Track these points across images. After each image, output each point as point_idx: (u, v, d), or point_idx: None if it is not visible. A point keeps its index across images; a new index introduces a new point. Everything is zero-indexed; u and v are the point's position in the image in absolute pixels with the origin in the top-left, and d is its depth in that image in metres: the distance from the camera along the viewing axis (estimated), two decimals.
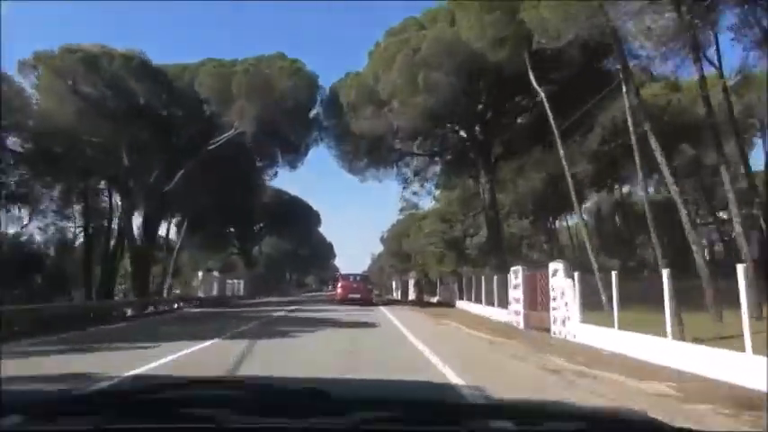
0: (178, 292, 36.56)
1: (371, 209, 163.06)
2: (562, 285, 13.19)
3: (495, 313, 19.13)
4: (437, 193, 40.05)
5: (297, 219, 50.26)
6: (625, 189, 41.98)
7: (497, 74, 21.55)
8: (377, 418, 1.24)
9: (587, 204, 46.49)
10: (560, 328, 13.04)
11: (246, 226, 48.11)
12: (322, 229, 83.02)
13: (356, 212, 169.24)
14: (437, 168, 31.44)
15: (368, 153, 27.75)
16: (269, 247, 68.15)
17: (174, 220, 40.36)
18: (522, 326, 15.85)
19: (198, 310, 23.92)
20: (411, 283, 46.92)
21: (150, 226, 22.80)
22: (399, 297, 51.24)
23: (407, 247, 49.29)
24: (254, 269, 55.39)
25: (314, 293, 65.13)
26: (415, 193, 54.08)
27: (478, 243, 33.40)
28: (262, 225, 53.63)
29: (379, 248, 74.13)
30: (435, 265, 36.73)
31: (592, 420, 1.34)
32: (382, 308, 24.36)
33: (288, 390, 1.38)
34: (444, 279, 35.03)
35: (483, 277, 21.52)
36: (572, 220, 47.52)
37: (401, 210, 55.38)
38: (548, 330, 13.86)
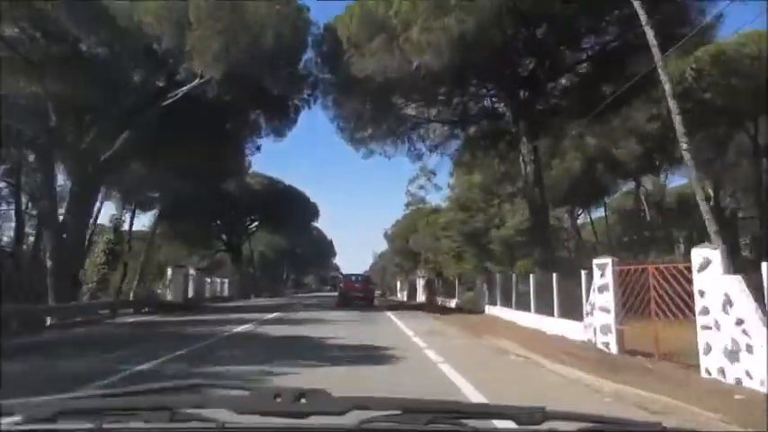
0: (160, 292, 30.91)
1: (374, 204, 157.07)
2: (725, 289, 7.43)
3: (553, 325, 13.39)
4: (451, 180, 34.50)
5: (292, 210, 44.37)
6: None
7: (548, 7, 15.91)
8: (377, 418, 1.25)
9: (611, 198, 40.86)
10: (723, 362, 7.28)
11: (233, 217, 42.33)
12: (321, 227, 78.17)
13: (357, 208, 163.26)
14: (457, 144, 25.68)
15: (373, 119, 22.04)
16: (263, 245, 62.62)
17: (152, 212, 34.84)
18: (614, 350, 10.15)
19: (143, 318, 18.02)
20: (420, 283, 41.38)
21: (81, 205, 17.05)
22: (405, 299, 45.96)
23: (415, 243, 44.10)
24: (246, 267, 49.76)
25: (311, 294, 59.25)
26: (421, 187, 48.80)
27: (506, 236, 27.63)
28: (253, 218, 47.90)
29: (382, 247, 69.65)
30: (454, 262, 30.94)
31: (595, 422, 1.31)
32: (391, 315, 18.53)
33: (288, 390, 1.27)
34: (463, 278, 29.27)
35: (531, 276, 15.76)
36: (596, 214, 41.85)
37: (407, 205, 48.78)
38: (681, 363, 8.20)
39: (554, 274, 13.76)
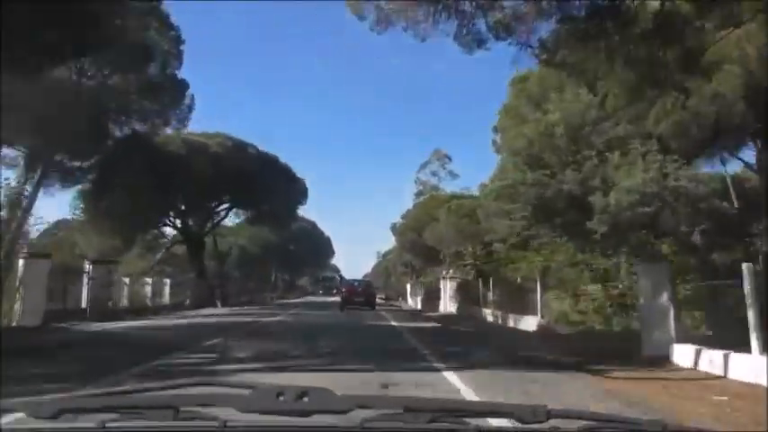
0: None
1: (376, 203, 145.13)
2: None
3: None
4: (498, 138, 22.41)
5: (271, 187, 32.17)
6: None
7: None
8: (378, 417, 1.23)
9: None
10: None
11: (188, 192, 30.07)
12: (319, 224, 67.56)
13: (358, 207, 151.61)
14: (547, 28, 13.47)
15: None
16: (245, 238, 50.75)
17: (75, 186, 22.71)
18: None
19: None
20: (447, 287, 29.97)
21: None
22: (420, 307, 35.68)
23: (432, 236, 32.84)
24: (219, 265, 37.96)
25: (301, 300, 47.11)
26: (434, 174, 40.20)
27: (621, 205, 15.51)
28: (220, 199, 35.70)
29: (385, 247, 60.87)
30: (532, 254, 18.76)
31: (597, 420, 1.28)
32: (448, 374, 6.45)
33: (291, 388, 1.24)
34: (543, 281, 17.16)
35: None
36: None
37: (417, 194, 43.49)
38: None
39: None
